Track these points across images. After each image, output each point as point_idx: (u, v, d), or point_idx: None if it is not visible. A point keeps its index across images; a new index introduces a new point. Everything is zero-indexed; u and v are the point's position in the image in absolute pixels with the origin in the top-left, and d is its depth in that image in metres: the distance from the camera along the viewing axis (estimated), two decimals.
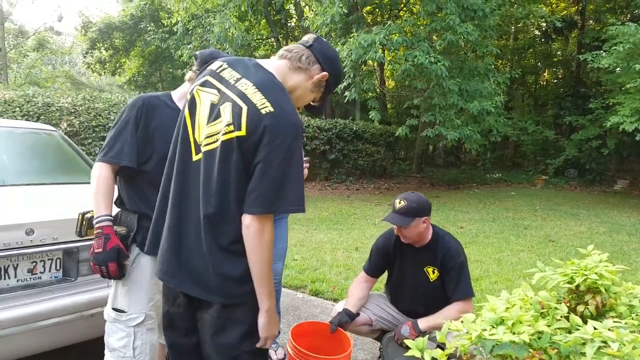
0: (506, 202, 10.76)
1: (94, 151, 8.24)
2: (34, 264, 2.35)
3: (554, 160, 15.35)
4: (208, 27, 14.02)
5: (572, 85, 17.58)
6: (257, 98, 1.44)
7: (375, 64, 12.57)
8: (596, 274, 1.76)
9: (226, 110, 1.47)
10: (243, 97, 1.46)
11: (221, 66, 1.60)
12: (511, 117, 16.57)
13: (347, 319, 2.57)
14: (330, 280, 4.71)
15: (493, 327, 1.31)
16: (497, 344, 1.21)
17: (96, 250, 1.89)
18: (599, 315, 1.67)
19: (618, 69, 10.97)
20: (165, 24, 16.17)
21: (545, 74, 21.33)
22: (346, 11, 10.93)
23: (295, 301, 4.27)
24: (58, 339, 2.37)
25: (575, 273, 1.80)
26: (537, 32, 19.92)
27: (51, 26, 28.31)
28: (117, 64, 24.29)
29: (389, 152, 14.80)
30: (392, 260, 2.77)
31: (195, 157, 1.55)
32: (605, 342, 1.18)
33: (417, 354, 1.37)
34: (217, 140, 1.47)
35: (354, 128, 13.36)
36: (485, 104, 10.34)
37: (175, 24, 15.32)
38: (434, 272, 2.61)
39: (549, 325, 1.29)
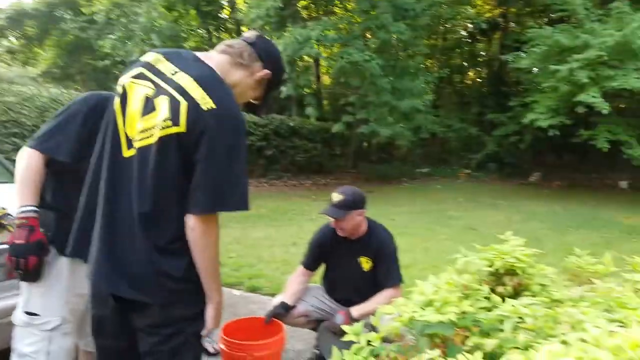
0: (433, 195, 11.26)
1: (4, 148, 7.63)
2: None
3: (476, 155, 16.18)
4: (133, 17, 13.47)
5: (495, 84, 18.57)
6: (198, 93, 1.37)
7: (312, 60, 12.64)
8: (513, 257, 1.92)
9: (162, 105, 1.39)
10: (182, 91, 1.38)
11: (156, 58, 1.51)
12: (438, 115, 17.26)
13: (282, 310, 2.62)
14: (268, 276, 4.74)
15: (422, 309, 1.41)
16: (426, 324, 1.30)
17: (17, 241, 1.76)
18: (516, 294, 1.82)
19: (535, 69, 11.74)
20: (84, 12, 15.30)
21: (471, 73, 22.35)
22: (281, 5, 10.91)
23: (232, 299, 4.24)
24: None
25: (495, 257, 1.95)
26: (463, 33, 20.83)
27: None
28: (30, 55, 22.69)
29: (325, 149, 14.95)
30: (328, 252, 2.86)
31: (126, 153, 1.47)
32: (521, 318, 1.31)
33: (355, 339, 1.44)
34: (152, 135, 1.40)
35: (291, 124, 13.38)
36: (415, 102, 10.72)
37: (96, 12, 14.56)
38: (367, 262, 2.72)
39: (472, 306, 1.40)
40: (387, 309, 1.50)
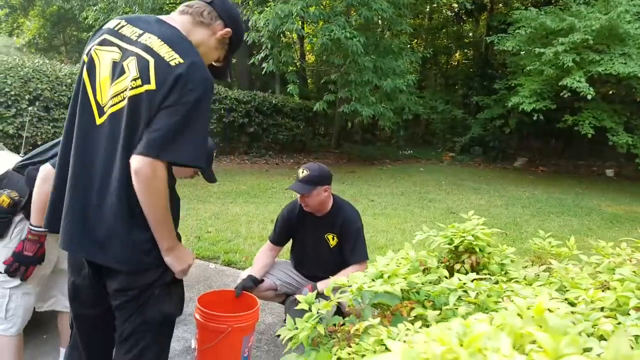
0: (415, 177, 11.29)
1: None
2: None
3: (461, 138, 16.22)
4: None
5: (481, 67, 18.55)
6: (164, 51, 1.40)
7: (295, 37, 12.49)
8: (472, 235, 1.95)
9: (131, 65, 1.41)
10: (149, 50, 1.40)
11: (119, 24, 1.52)
12: (423, 96, 17.24)
13: (251, 284, 2.65)
14: (243, 251, 4.77)
15: (373, 280, 1.44)
16: (373, 295, 1.32)
17: (26, 253, 1.97)
18: (475, 272, 1.85)
19: (522, 52, 11.70)
20: None
21: (457, 54, 22.31)
22: None
23: (207, 272, 4.28)
24: None
25: (455, 235, 1.98)
26: (450, 13, 20.72)
27: None
28: (15, 24, 22.14)
29: (308, 128, 14.85)
30: (295, 228, 2.89)
31: (99, 121, 1.47)
32: (465, 291, 1.34)
33: (306, 307, 1.47)
34: (124, 98, 1.41)
35: (274, 102, 13.24)
36: (398, 82, 10.67)
37: None
38: (333, 239, 2.75)
39: (419, 278, 1.43)
40: (341, 280, 1.53)
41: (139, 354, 1.54)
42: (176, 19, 1.56)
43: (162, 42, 1.42)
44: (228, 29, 1.61)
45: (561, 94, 10.49)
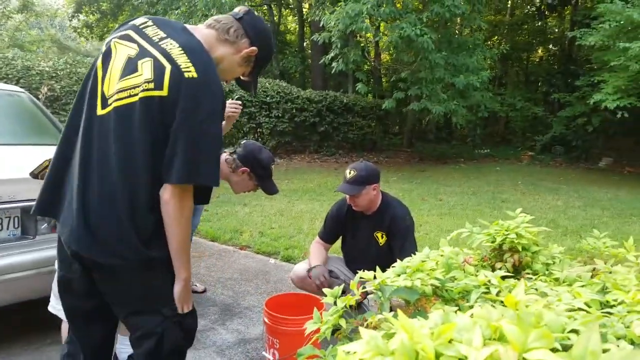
0: (489, 177, 10.87)
1: None
2: None
3: (541, 137, 15.40)
4: None
5: (563, 63, 17.51)
6: (182, 60, 1.40)
7: (370, 36, 12.47)
8: (515, 233, 1.87)
9: (145, 67, 1.41)
10: (167, 56, 1.41)
11: (145, 22, 1.53)
12: (502, 94, 16.52)
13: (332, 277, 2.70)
14: (303, 247, 4.85)
15: (398, 275, 1.42)
16: (392, 289, 1.31)
17: None
18: (516, 272, 1.78)
19: (607, 47, 10.92)
20: None
21: (540, 50, 21.20)
22: None
23: (267, 266, 4.41)
24: (16, 294, 2.47)
25: (497, 233, 1.91)
26: (531, 9, 19.73)
27: None
28: (105, 29, 23.82)
29: (379, 126, 14.78)
30: (344, 227, 2.90)
31: (100, 111, 1.46)
32: (488, 288, 1.29)
33: (331, 301, 1.48)
34: (132, 95, 1.41)
35: (345, 101, 13.32)
36: (472, 79, 10.32)
37: None
38: (382, 237, 2.74)
39: (445, 275, 1.40)
40: (367, 275, 1.52)
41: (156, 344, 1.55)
42: (202, 31, 1.56)
43: (182, 51, 1.42)
44: (253, 48, 1.59)
45: None
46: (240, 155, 2.20)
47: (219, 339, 2.97)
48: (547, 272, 1.79)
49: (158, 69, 1.40)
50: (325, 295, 1.55)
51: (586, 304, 1.08)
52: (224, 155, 2.21)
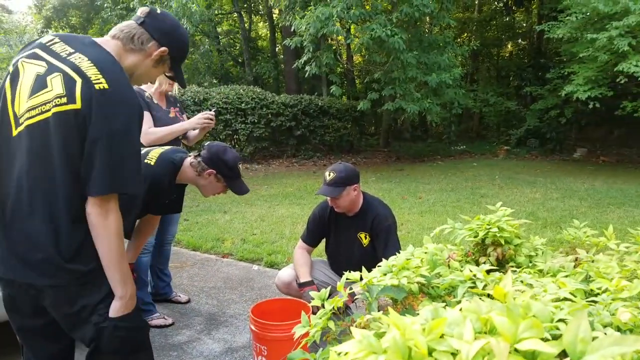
0: (467, 173, 11.00)
1: None
2: None
3: (516, 130, 15.66)
4: (165, 2, 13.69)
5: (533, 57, 17.86)
6: (92, 72, 1.39)
7: (341, 38, 12.51)
8: (497, 227, 1.88)
9: (55, 82, 1.40)
10: (77, 70, 1.40)
11: (52, 40, 1.51)
12: (475, 90, 16.74)
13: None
14: (286, 252, 4.82)
15: (384, 274, 1.42)
16: (379, 288, 1.31)
17: None
18: (500, 266, 1.80)
19: (574, 39, 11.16)
20: (122, 0, 15.66)
21: (509, 45, 21.59)
22: None
23: (250, 273, 4.37)
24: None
25: (479, 227, 1.92)
26: (499, 4, 20.10)
27: (2, 4, 26.81)
28: None
29: (355, 128, 14.84)
30: (327, 229, 2.89)
31: (15, 132, 1.44)
32: (474, 283, 1.30)
33: (318, 304, 1.47)
34: (43, 111, 1.40)
35: (320, 104, 13.33)
36: (444, 76, 10.44)
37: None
38: (366, 238, 2.74)
39: (430, 272, 1.40)
40: (354, 276, 1.52)
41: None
42: (110, 43, 1.54)
43: (92, 64, 1.41)
44: (163, 48, 1.58)
45: (617, 80, 9.92)
46: (205, 157, 2.14)
47: (205, 349, 2.93)
48: (530, 264, 1.81)
49: (68, 83, 1.39)
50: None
51: (571, 293, 1.09)
52: (189, 159, 2.17)
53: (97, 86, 1.38)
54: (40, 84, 1.42)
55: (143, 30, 1.55)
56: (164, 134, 2.97)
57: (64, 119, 1.38)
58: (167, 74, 1.70)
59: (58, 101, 1.38)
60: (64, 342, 1.65)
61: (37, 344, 1.62)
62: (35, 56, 1.48)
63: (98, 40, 1.54)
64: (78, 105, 1.37)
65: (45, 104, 1.40)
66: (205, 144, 2.21)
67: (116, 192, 1.43)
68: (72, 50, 1.46)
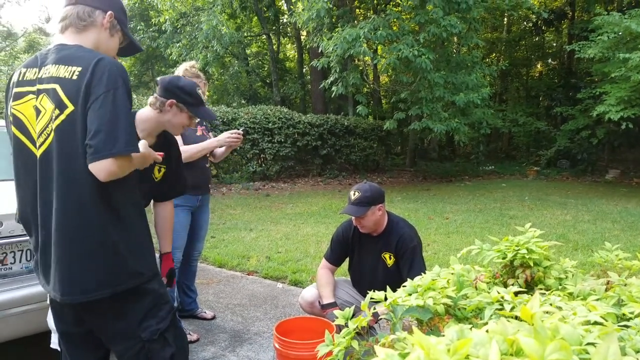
0: (495, 194, 10.82)
1: None
2: (4, 255, 2.43)
3: (546, 151, 15.38)
4: (197, 25, 14.07)
5: (563, 77, 17.62)
6: (62, 71, 1.44)
7: (367, 59, 12.62)
8: (526, 249, 1.85)
9: (44, 102, 1.46)
10: (51, 79, 1.45)
11: (21, 72, 1.57)
12: (504, 110, 16.56)
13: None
14: (311, 271, 4.81)
15: (409, 295, 1.41)
16: (404, 309, 1.29)
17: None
18: (529, 288, 1.76)
19: (606, 59, 10.98)
20: (154, 23, 16.18)
21: (539, 65, 21.37)
22: (331, 6, 10.99)
23: (275, 291, 4.37)
24: (30, 327, 2.45)
25: (508, 249, 1.89)
26: (528, 24, 19.98)
27: (40, 27, 27.89)
28: None
29: (381, 147, 14.84)
30: (351, 249, 2.87)
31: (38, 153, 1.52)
32: (502, 305, 1.27)
33: (342, 322, 1.47)
34: (48, 134, 1.46)
35: (346, 123, 13.41)
36: (472, 96, 10.38)
37: (164, 22, 15.35)
38: (390, 258, 2.71)
39: (457, 293, 1.38)
40: (378, 295, 1.51)
41: None
42: (67, 37, 1.57)
43: (58, 65, 1.46)
44: (109, 12, 1.60)
45: None
46: (161, 90, 2.06)
47: None
48: (560, 287, 1.76)
49: (53, 95, 1.45)
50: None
51: (602, 317, 1.06)
52: (147, 104, 2.11)
53: (73, 77, 1.43)
54: (36, 112, 1.49)
55: (83, 6, 1.57)
56: (195, 152, 3.03)
57: (66, 127, 1.44)
58: (121, 45, 1.71)
59: (54, 115, 1.45)
60: (100, 353, 1.72)
61: (76, 351, 1.70)
62: (20, 95, 1.54)
63: (59, 41, 1.57)
64: (70, 107, 1.43)
65: (46, 127, 1.47)
66: (157, 79, 2.13)
67: (118, 153, 1.43)
68: (38, 69, 1.52)
